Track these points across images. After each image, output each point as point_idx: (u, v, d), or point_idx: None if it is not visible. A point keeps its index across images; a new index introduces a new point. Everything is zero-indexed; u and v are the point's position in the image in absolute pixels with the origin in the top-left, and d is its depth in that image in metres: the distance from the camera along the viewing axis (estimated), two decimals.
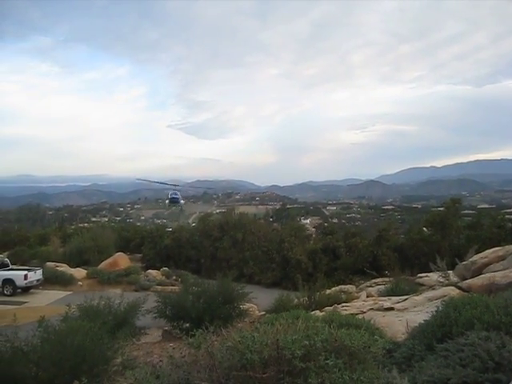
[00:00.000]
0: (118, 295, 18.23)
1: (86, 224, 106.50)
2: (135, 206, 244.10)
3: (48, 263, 39.42)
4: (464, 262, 15.24)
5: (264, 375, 4.52)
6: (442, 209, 46.89)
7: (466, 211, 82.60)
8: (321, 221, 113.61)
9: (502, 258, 13.48)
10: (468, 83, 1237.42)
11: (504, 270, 12.33)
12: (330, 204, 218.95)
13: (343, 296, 19.24)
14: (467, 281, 13.10)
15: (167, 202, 49.54)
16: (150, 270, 41.32)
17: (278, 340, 4.68)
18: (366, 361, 4.92)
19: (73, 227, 78.02)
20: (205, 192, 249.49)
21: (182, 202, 51.52)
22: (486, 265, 13.68)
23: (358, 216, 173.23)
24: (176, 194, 48.67)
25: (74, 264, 41.44)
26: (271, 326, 5.39)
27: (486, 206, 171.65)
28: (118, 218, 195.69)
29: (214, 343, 5.24)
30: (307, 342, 4.64)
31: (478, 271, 13.60)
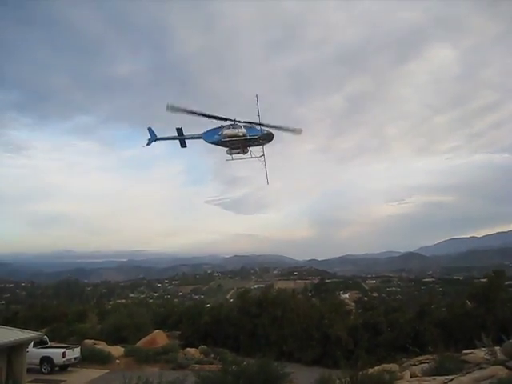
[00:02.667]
0: (156, 374, 18.12)
1: (123, 300, 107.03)
2: (173, 282, 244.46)
3: (86, 340, 39.57)
4: (511, 340, 14.81)
5: None
6: (484, 280, 45.97)
7: (510, 282, 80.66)
8: (360, 295, 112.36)
9: None
10: (505, 151, 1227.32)
11: None
12: (369, 277, 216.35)
13: (386, 376, 18.75)
14: None
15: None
16: (188, 348, 40.91)
17: None
18: None
19: (111, 303, 78.52)
20: (242, 267, 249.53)
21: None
22: None
23: (398, 289, 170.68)
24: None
25: (112, 341, 41.42)
26: None
27: None
28: (156, 294, 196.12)
29: None
30: None
31: None
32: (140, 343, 40.67)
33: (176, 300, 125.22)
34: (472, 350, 19.92)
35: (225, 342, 45.72)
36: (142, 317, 47.66)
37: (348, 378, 16.55)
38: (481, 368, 13.92)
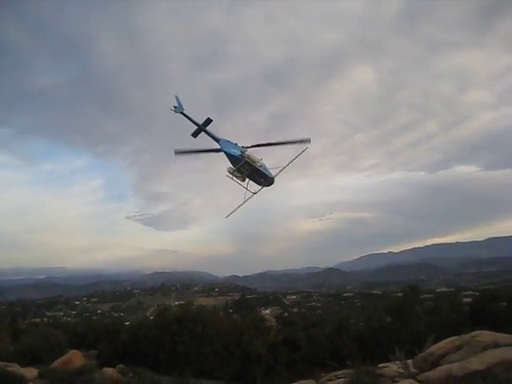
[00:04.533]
0: None
1: (39, 319, 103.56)
2: (92, 299, 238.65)
3: None
4: (421, 354, 15.20)
5: None
6: (400, 295, 47.29)
7: (426, 295, 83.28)
8: (281, 311, 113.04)
9: (459, 348, 13.50)
10: (422, 169, 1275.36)
11: (461, 360, 12.33)
12: (289, 293, 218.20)
13: None
14: (425, 373, 13.02)
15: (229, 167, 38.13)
16: (105, 368, 39.78)
17: None
18: None
19: (25, 322, 75.75)
20: (163, 283, 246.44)
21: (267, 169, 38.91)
22: (443, 355, 13.65)
23: (319, 304, 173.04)
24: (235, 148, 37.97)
25: (26, 363, 39.78)
26: None
27: (445, 289, 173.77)
28: (74, 312, 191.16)
29: None
30: None
31: (436, 362, 13.55)
32: (55, 364, 39.22)
33: (95, 318, 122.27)
34: (387, 364, 20.32)
35: (144, 361, 44.78)
36: (57, 337, 46.12)
37: None
38: (394, 382, 14.19)
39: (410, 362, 15.91)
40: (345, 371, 24.75)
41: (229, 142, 38.00)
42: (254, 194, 39.63)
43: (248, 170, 37.69)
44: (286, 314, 77.69)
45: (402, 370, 15.43)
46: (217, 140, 37.60)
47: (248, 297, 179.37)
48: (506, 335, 13.93)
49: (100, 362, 43.92)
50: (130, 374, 38.13)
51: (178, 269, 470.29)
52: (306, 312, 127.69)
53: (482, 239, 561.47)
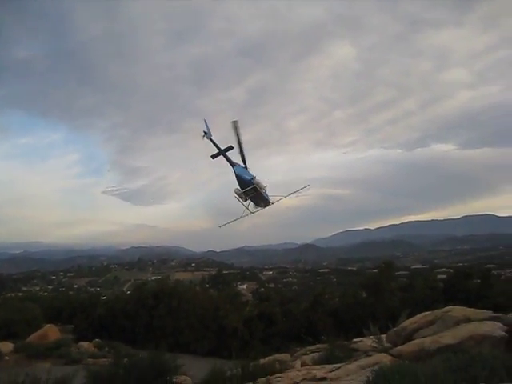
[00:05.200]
0: (45, 370, 17.41)
1: (15, 294, 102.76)
2: (68, 274, 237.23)
3: None
4: (395, 328, 15.36)
5: None
6: (375, 271, 47.72)
7: (401, 272, 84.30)
8: (257, 286, 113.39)
9: (432, 323, 13.64)
10: (400, 147, 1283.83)
11: (433, 335, 12.48)
12: (266, 269, 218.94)
13: (277, 365, 18.97)
14: (398, 347, 13.17)
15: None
16: (81, 342, 39.75)
17: None
18: None
19: (1, 297, 75.10)
20: (140, 258, 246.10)
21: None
22: (416, 330, 13.79)
23: (295, 280, 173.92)
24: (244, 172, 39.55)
25: (1, 337, 39.60)
26: None
27: (420, 266, 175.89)
28: (50, 287, 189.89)
29: None
30: None
31: (409, 337, 13.68)
32: (31, 338, 39.07)
33: (71, 293, 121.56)
34: (361, 339, 20.56)
35: (120, 335, 44.81)
36: (33, 311, 45.86)
37: (239, 369, 16.62)
38: (367, 356, 14.33)
39: (383, 336, 16.10)
40: (319, 345, 25.03)
41: (242, 167, 39.90)
42: (252, 213, 41.93)
43: (253, 193, 39.92)
44: (263, 289, 77.67)
45: (375, 345, 15.61)
46: (232, 164, 39.45)
47: (224, 272, 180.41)
48: (477, 310, 14.12)
49: (76, 336, 43.87)
50: (106, 348, 38.15)
51: (155, 244, 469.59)
52: (282, 287, 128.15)
53: (458, 217, 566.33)
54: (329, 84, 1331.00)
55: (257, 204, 41.61)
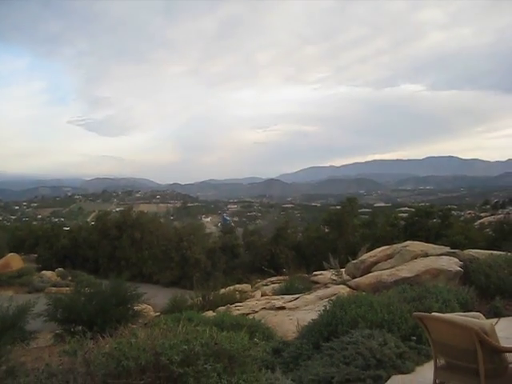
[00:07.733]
0: (7, 298, 17.34)
1: None
2: (32, 205, 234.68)
3: None
4: (354, 261, 15.62)
5: (141, 382, 4.37)
6: (339, 207, 48.23)
7: (363, 209, 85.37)
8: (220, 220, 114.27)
9: (390, 257, 13.87)
10: (369, 85, 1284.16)
11: (391, 268, 12.71)
12: (230, 202, 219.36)
13: (237, 295, 19.28)
14: (356, 279, 13.43)
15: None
16: (44, 271, 39.83)
17: (155, 345, 4.53)
18: (246, 364, 4.83)
19: None
20: (104, 190, 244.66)
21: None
22: (375, 263, 14.03)
23: (259, 214, 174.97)
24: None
25: None
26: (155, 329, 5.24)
27: (383, 204, 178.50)
28: (14, 217, 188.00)
29: (92, 350, 5.02)
30: (186, 347, 4.50)
31: (367, 270, 13.93)
32: None
33: (35, 223, 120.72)
34: (322, 272, 20.92)
35: (84, 265, 45.01)
36: None
37: (200, 298, 16.82)
38: (326, 287, 14.60)
39: (343, 270, 16.38)
40: (280, 277, 25.49)
41: None
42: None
43: None
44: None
45: (334, 277, 15.89)
46: None
47: (189, 205, 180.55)
48: (435, 246, 14.40)
49: (39, 265, 43.82)
50: (69, 277, 38.24)
51: (120, 175, 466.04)
52: (246, 221, 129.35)
53: (422, 158, 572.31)
54: (301, 19, 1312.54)
55: None
